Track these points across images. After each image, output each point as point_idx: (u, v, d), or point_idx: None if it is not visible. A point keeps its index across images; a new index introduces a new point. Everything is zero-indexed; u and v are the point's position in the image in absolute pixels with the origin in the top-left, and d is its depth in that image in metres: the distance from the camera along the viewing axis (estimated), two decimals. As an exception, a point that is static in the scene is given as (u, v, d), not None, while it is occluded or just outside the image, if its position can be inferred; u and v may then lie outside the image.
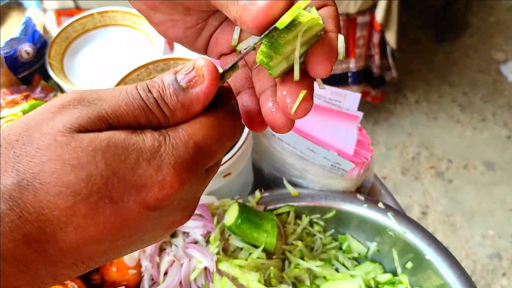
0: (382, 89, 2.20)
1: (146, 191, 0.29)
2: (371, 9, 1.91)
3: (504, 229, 1.99)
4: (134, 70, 0.79)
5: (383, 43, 1.99)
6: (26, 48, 0.87)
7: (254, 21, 0.30)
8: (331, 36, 0.33)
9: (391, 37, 1.95)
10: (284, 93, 0.33)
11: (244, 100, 0.39)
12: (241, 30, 0.39)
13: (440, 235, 1.97)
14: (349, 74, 2.09)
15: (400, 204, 0.87)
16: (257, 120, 0.38)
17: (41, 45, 0.91)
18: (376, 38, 1.98)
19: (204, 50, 0.43)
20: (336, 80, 2.09)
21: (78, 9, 1.47)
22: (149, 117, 0.31)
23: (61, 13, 1.12)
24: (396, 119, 2.37)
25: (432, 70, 2.56)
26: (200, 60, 0.32)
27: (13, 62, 0.87)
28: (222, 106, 0.33)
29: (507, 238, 1.96)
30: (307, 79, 0.33)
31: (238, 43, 0.40)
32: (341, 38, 0.33)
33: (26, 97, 0.86)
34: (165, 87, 0.31)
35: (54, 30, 0.96)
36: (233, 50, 0.41)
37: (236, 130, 0.34)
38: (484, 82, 2.51)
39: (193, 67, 0.32)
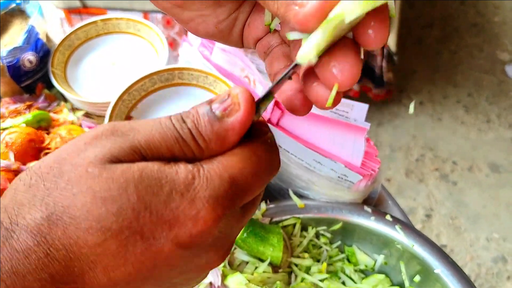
0: (386, 88, 2.18)
1: (179, 226, 0.28)
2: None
3: (509, 232, 1.97)
4: (138, 81, 0.78)
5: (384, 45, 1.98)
6: (29, 57, 0.86)
7: (301, 22, 0.28)
8: None
9: (391, 39, 1.94)
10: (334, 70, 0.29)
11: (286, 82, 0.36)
12: None
13: (444, 238, 1.96)
14: None
15: (404, 207, 0.86)
16: (300, 99, 0.35)
17: (44, 53, 0.90)
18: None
19: (240, 42, 0.40)
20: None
21: (86, 7, 1.47)
22: (183, 149, 0.29)
23: (70, 11, 1.11)
24: (400, 120, 2.35)
25: (437, 71, 2.54)
26: (235, 89, 0.30)
27: (16, 71, 0.86)
28: (258, 139, 0.31)
29: (512, 241, 1.95)
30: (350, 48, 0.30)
31: (272, 20, 0.37)
32: (390, 3, 0.31)
33: (29, 107, 0.85)
34: (200, 117, 0.30)
35: (59, 35, 0.95)
36: (268, 30, 0.38)
37: (274, 163, 0.32)
38: (489, 83, 2.49)
39: (228, 95, 0.30)
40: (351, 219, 0.80)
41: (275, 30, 0.38)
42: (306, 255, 0.79)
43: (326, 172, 0.77)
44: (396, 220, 0.78)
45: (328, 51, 0.30)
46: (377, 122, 2.33)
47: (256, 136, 0.32)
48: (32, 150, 0.74)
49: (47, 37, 0.93)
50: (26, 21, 0.91)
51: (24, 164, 0.73)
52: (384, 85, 2.16)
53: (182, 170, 0.28)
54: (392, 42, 1.93)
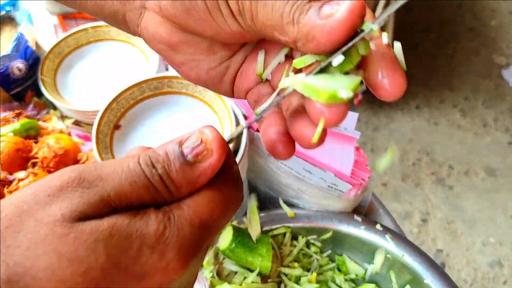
0: (371, 94, 2.19)
1: (148, 279, 0.27)
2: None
3: (505, 236, 1.97)
4: (127, 89, 0.77)
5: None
6: (18, 65, 0.86)
7: (329, 36, 0.27)
8: (381, 44, 0.30)
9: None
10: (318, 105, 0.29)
11: (271, 122, 0.35)
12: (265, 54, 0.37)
13: (440, 242, 1.96)
14: None
15: (400, 211, 0.85)
16: (284, 142, 0.34)
17: (34, 61, 0.89)
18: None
19: (231, 91, 0.40)
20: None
21: (81, 12, 1.46)
22: (154, 195, 0.28)
23: (65, 17, 1.10)
24: (397, 124, 2.35)
25: (433, 75, 2.54)
26: (207, 132, 0.29)
27: (5, 79, 0.86)
28: (225, 176, 0.31)
29: (508, 245, 1.94)
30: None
31: (264, 69, 0.37)
32: (397, 45, 0.31)
33: (18, 115, 0.84)
34: (171, 162, 0.29)
35: (49, 42, 0.95)
36: (259, 80, 0.38)
37: (239, 199, 0.32)
38: (486, 87, 2.49)
39: (200, 140, 0.29)
40: (341, 228, 0.79)
41: (267, 80, 0.38)
42: (296, 264, 0.78)
43: (316, 181, 0.77)
44: (386, 230, 0.78)
45: None
46: (374, 126, 2.33)
47: (223, 171, 0.31)
48: (20, 160, 0.74)
49: (37, 44, 0.92)
50: (16, 28, 0.91)
51: (11, 173, 0.72)
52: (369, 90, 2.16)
53: (152, 221, 0.27)
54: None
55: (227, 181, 0.31)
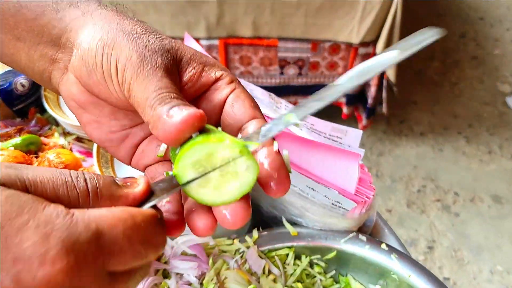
0: (372, 119, 2.19)
1: (24, 263, 0.25)
2: (375, 41, 1.91)
3: (513, 264, 1.94)
4: (94, 141, 0.77)
5: (382, 76, 1.98)
6: (22, 81, 0.86)
7: (165, 134, 0.32)
8: (271, 152, 0.35)
9: (390, 70, 1.94)
10: (224, 211, 0.34)
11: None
12: None
13: (447, 271, 1.92)
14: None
15: (405, 238, 0.83)
16: (174, 220, 0.37)
17: (38, 77, 0.89)
18: (376, 71, 1.97)
19: (129, 160, 0.44)
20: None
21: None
22: (69, 193, 0.29)
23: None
24: (401, 151, 2.34)
25: (437, 102, 2.54)
26: (140, 177, 0.33)
27: (8, 95, 0.85)
28: (144, 210, 0.31)
29: (516, 274, 1.91)
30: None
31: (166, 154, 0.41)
32: (285, 153, 0.36)
33: (20, 131, 0.84)
34: (100, 177, 0.31)
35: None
36: (158, 160, 0.42)
37: (156, 239, 0.31)
38: (490, 114, 2.48)
39: (132, 178, 0.33)
40: (345, 248, 0.77)
41: (167, 160, 0.43)
42: (300, 285, 0.76)
43: (320, 199, 0.75)
44: (392, 249, 0.76)
45: None
46: (378, 152, 2.32)
47: (148, 211, 0.32)
48: (19, 174, 0.73)
49: (41, 61, 0.92)
50: (21, 45, 0.91)
51: (10, 187, 0.71)
52: (375, 115, 2.17)
53: (50, 207, 0.26)
54: (391, 73, 1.94)
55: (146, 214, 0.31)
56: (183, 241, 0.73)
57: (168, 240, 0.74)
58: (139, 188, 0.32)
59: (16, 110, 0.89)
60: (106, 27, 0.38)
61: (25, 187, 0.27)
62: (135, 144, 0.43)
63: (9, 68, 0.85)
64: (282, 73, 2.06)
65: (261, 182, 0.35)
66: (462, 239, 2.03)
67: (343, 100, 2.13)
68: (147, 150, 0.42)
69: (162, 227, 0.32)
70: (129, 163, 0.44)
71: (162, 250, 0.33)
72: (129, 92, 0.36)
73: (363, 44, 1.91)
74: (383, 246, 0.76)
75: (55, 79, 0.42)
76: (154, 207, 0.33)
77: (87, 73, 0.38)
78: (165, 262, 0.72)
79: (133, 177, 0.34)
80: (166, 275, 0.73)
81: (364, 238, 0.77)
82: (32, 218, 0.25)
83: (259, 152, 0.35)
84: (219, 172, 0.33)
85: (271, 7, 1.83)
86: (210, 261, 0.72)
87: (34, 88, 0.89)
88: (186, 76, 0.39)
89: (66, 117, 0.86)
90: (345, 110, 2.15)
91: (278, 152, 0.36)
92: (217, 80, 0.39)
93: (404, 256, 0.75)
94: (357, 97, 2.13)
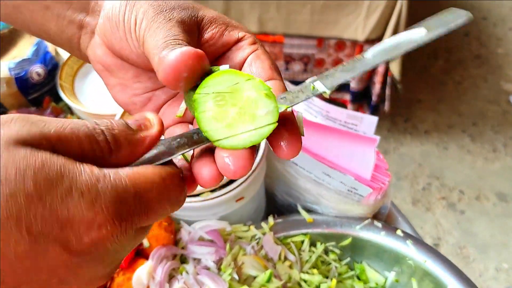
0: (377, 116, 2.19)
1: (71, 228, 0.25)
2: (380, 38, 1.91)
3: (518, 262, 1.94)
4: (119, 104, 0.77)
5: (386, 73, 1.99)
6: (37, 70, 0.86)
7: (163, 75, 0.32)
8: (289, 117, 0.34)
9: (395, 67, 1.95)
10: (225, 154, 0.33)
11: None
12: None
13: (453, 268, 1.91)
14: (350, 90, 2.10)
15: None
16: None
17: (53, 66, 0.90)
18: (381, 67, 1.97)
19: None
20: (339, 87, 2.09)
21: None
22: (93, 146, 0.29)
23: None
24: (406, 149, 2.34)
25: (441, 100, 2.54)
26: (149, 113, 0.33)
27: (24, 84, 0.86)
28: (170, 169, 0.32)
29: (522, 271, 1.90)
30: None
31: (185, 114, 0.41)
32: (299, 115, 0.35)
33: (36, 119, 0.84)
34: (114, 123, 0.30)
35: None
36: (178, 121, 0.42)
37: (180, 196, 0.32)
38: (494, 113, 2.49)
39: (144, 117, 0.33)
40: (360, 234, 0.78)
41: (184, 122, 0.43)
42: (315, 271, 0.76)
43: (335, 185, 0.75)
44: (407, 235, 0.76)
45: None
46: (383, 150, 2.32)
47: (172, 169, 0.32)
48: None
49: (56, 50, 0.93)
50: (36, 35, 0.92)
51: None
52: (379, 113, 2.17)
53: (87, 170, 0.27)
54: (396, 71, 1.94)
55: (172, 175, 0.31)
56: (200, 226, 0.73)
57: (185, 225, 0.74)
58: (154, 130, 0.32)
59: (31, 99, 0.89)
60: None
61: (52, 146, 0.27)
62: (157, 106, 0.43)
63: (25, 57, 0.85)
64: (287, 69, 2.07)
65: (271, 141, 0.34)
66: (467, 236, 2.03)
67: (348, 97, 2.14)
68: (167, 112, 0.42)
69: (183, 185, 0.33)
70: None
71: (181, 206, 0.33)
72: (143, 44, 0.36)
73: (368, 41, 1.91)
74: (399, 232, 0.76)
75: (83, 44, 0.43)
76: (173, 162, 0.34)
77: (111, 31, 0.39)
78: (183, 248, 0.73)
79: (144, 115, 0.33)
80: (183, 260, 0.73)
81: (379, 224, 0.77)
82: (73, 185, 0.26)
83: None
84: (238, 110, 0.32)
85: (277, 4, 1.84)
86: (227, 246, 0.72)
87: (50, 77, 0.90)
88: (208, 34, 0.38)
89: (82, 106, 0.86)
90: (349, 107, 2.15)
91: (292, 112, 0.35)
92: (239, 40, 0.39)
93: (420, 242, 0.75)
94: (362, 94, 2.13)
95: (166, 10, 0.36)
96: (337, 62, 2.05)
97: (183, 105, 0.40)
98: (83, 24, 0.42)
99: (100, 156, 0.29)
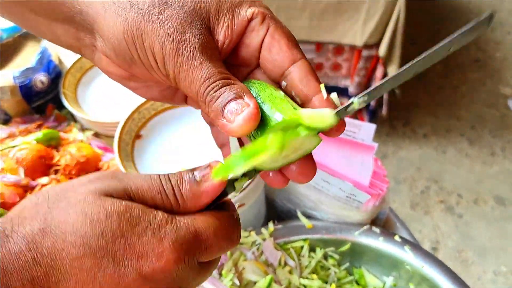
0: (374, 121, 2.20)
1: (145, 259, 0.32)
2: (378, 43, 1.93)
3: (517, 265, 1.95)
4: (149, 100, 0.78)
5: (385, 77, 2.00)
6: (41, 78, 0.88)
7: (228, 133, 0.35)
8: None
9: (392, 72, 1.96)
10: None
11: None
12: None
13: (451, 271, 1.92)
14: (349, 95, 2.11)
15: (409, 239, 0.85)
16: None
17: (56, 75, 0.91)
18: (379, 72, 1.99)
19: (184, 102, 0.47)
20: (338, 92, 2.10)
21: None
22: (164, 200, 0.35)
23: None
24: (405, 153, 2.36)
25: (440, 105, 2.56)
26: (214, 162, 0.37)
27: (28, 92, 0.87)
28: (225, 212, 0.38)
29: (520, 275, 1.92)
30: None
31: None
32: (335, 97, 0.38)
33: (40, 126, 0.85)
34: (182, 178, 0.36)
35: (70, 57, 0.97)
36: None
37: (234, 236, 0.38)
38: (492, 117, 2.50)
39: (208, 165, 0.36)
40: (359, 240, 0.79)
41: None
42: (315, 276, 0.78)
43: (334, 191, 0.77)
44: (405, 241, 0.77)
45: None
46: (382, 154, 2.34)
47: (225, 209, 0.38)
48: (42, 167, 0.74)
49: (59, 59, 0.94)
50: (39, 43, 0.93)
51: (34, 179, 0.73)
52: (377, 117, 2.18)
53: (159, 215, 0.34)
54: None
55: (227, 216, 0.37)
56: (202, 232, 0.74)
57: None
58: (215, 182, 0.36)
59: (35, 106, 0.90)
60: (121, 13, 0.37)
61: (130, 197, 0.34)
62: (185, 94, 0.45)
63: (29, 65, 0.87)
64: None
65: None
66: (466, 240, 2.04)
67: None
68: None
69: (238, 224, 0.38)
70: (186, 104, 0.47)
71: (238, 243, 0.39)
72: (177, 84, 0.37)
73: (367, 46, 1.93)
74: (397, 238, 0.78)
75: (87, 55, 0.42)
76: (231, 204, 0.40)
77: (126, 63, 0.39)
78: (184, 253, 0.74)
79: (207, 165, 0.37)
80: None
81: (377, 230, 0.79)
82: (148, 226, 0.33)
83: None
84: (292, 150, 0.36)
85: (276, 10, 1.85)
86: (228, 252, 0.73)
87: (53, 85, 0.91)
88: (221, 36, 0.38)
89: (85, 113, 0.88)
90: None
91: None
92: (249, 21, 0.39)
93: (417, 247, 0.77)
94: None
95: (181, 39, 0.36)
96: (335, 66, 2.07)
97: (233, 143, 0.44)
98: (78, 37, 0.41)
99: (169, 208, 0.35)
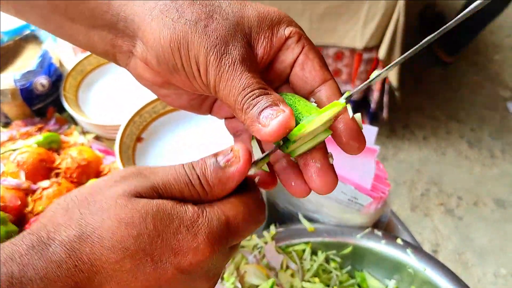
0: (374, 124, 2.20)
1: (182, 254, 0.34)
2: (379, 46, 1.93)
3: (517, 267, 1.95)
4: (150, 103, 0.78)
5: (384, 81, 2.00)
6: (42, 81, 0.87)
7: (262, 138, 0.36)
8: (347, 119, 0.39)
9: (392, 75, 1.96)
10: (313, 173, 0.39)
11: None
12: None
13: (451, 274, 1.92)
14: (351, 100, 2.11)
15: (409, 241, 0.85)
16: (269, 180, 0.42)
17: (57, 78, 0.91)
18: (379, 76, 1.98)
19: (209, 112, 0.48)
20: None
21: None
22: (191, 191, 0.36)
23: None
24: (404, 155, 2.36)
25: (439, 107, 2.56)
26: (237, 145, 0.37)
27: (28, 94, 0.87)
28: (250, 194, 0.39)
29: (520, 277, 1.92)
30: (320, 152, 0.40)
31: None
32: (358, 116, 0.39)
33: (40, 129, 0.85)
34: (207, 166, 0.37)
35: (71, 60, 0.97)
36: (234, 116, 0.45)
37: (260, 217, 0.39)
38: (492, 119, 2.51)
39: (231, 150, 0.37)
40: (361, 243, 0.79)
41: None
42: (317, 279, 0.77)
43: (336, 194, 0.77)
44: (407, 244, 0.77)
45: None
46: (382, 156, 2.34)
47: (250, 190, 0.39)
48: (43, 170, 0.74)
49: (60, 62, 0.94)
50: (40, 46, 0.93)
51: (35, 183, 0.73)
52: (377, 120, 2.18)
53: (190, 209, 0.35)
54: (394, 78, 1.95)
55: (252, 199, 0.39)
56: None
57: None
58: (241, 163, 0.37)
59: (35, 109, 0.90)
60: (168, 23, 0.38)
61: (159, 193, 0.35)
62: (213, 101, 0.47)
63: (29, 68, 0.86)
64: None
65: (342, 145, 0.40)
66: (466, 242, 2.04)
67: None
68: (223, 105, 0.45)
69: (263, 205, 0.40)
70: (210, 113, 0.49)
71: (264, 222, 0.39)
72: (216, 93, 0.38)
73: (366, 49, 1.93)
74: (399, 241, 0.78)
75: (121, 61, 0.43)
76: (254, 183, 0.40)
77: (168, 71, 0.40)
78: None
79: (230, 149, 0.37)
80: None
81: (379, 233, 0.79)
82: (181, 223, 0.34)
83: (340, 120, 0.39)
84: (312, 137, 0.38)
85: (276, 13, 1.85)
86: (230, 255, 0.73)
87: (54, 88, 0.91)
88: (260, 51, 0.40)
89: (85, 116, 0.87)
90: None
91: (353, 117, 0.39)
92: (286, 39, 0.41)
93: (419, 250, 0.77)
94: (360, 102, 2.15)
95: (225, 51, 0.38)
96: (336, 72, 2.07)
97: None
98: (115, 44, 0.42)
99: (197, 198, 0.36)
